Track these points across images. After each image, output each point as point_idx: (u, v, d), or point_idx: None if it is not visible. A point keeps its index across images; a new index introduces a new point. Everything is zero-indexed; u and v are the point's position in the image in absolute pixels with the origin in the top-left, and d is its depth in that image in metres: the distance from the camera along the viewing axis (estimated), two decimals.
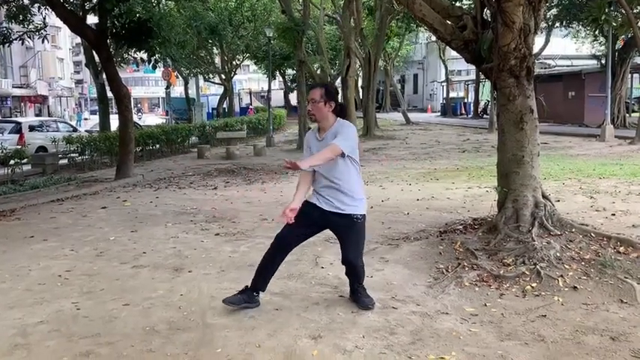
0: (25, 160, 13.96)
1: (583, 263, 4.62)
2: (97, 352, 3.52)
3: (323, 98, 3.91)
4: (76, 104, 56.58)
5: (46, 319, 4.09)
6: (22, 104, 37.55)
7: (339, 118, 4.01)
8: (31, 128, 18.37)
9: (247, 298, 4.10)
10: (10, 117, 29.11)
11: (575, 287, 4.29)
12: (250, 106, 40.70)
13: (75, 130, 20.37)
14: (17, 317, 4.12)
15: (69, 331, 3.86)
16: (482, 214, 6.37)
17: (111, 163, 15.47)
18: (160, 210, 8.41)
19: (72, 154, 16.34)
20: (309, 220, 4.01)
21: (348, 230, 4.01)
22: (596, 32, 22.36)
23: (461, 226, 6.00)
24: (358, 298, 4.20)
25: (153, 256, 5.77)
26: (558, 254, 4.73)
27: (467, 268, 4.76)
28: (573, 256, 4.75)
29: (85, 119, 43.93)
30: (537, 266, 4.55)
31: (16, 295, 4.63)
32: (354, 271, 4.13)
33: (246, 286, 4.14)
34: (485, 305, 4.11)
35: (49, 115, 37.98)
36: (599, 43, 23.90)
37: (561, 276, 4.44)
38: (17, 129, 17.82)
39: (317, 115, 3.95)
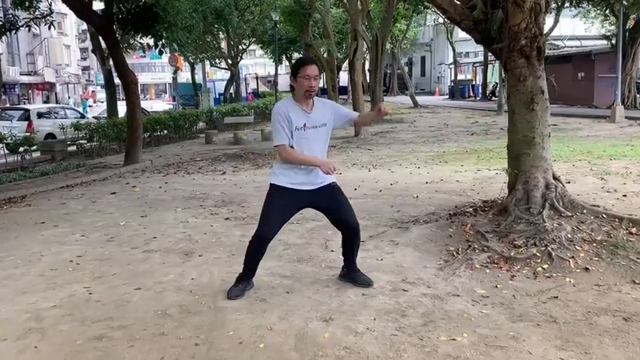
0: (34, 147, 14.02)
1: (595, 244, 4.60)
2: (110, 335, 3.55)
3: (319, 74, 3.98)
4: (84, 91, 56.70)
5: (59, 303, 4.12)
6: (30, 91, 37.67)
7: None
8: (40, 115, 18.43)
9: (246, 284, 4.16)
10: (18, 104, 29.21)
11: (587, 268, 4.27)
12: (249, 92, 40.26)
13: (83, 116, 20.42)
14: (31, 302, 4.16)
15: (82, 315, 3.89)
16: (492, 196, 6.34)
17: (119, 150, 15.51)
18: (170, 195, 8.43)
19: (80, 141, 16.39)
20: (291, 207, 4.00)
21: (339, 196, 4.07)
22: (607, 11, 22.11)
23: (471, 209, 5.97)
24: (358, 276, 4.22)
25: (163, 240, 5.79)
26: (569, 235, 4.70)
27: (477, 251, 4.75)
28: (585, 237, 4.72)
29: (90, 106, 43.90)
30: (548, 248, 4.53)
31: (29, 281, 4.67)
32: (359, 235, 4.17)
33: (238, 277, 4.18)
34: (496, 287, 4.10)
35: (57, 102, 38.07)
36: (610, 23, 23.63)
37: (573, 257, 4.41)
38: (26, 116, 17.88)
39: (315, 92, 3.92)
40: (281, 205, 3.95)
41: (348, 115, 4.22)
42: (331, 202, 4.06)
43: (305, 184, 3.94)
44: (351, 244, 4.20)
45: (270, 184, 4.02)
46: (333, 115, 4.03)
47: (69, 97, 46.54)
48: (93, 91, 58.59)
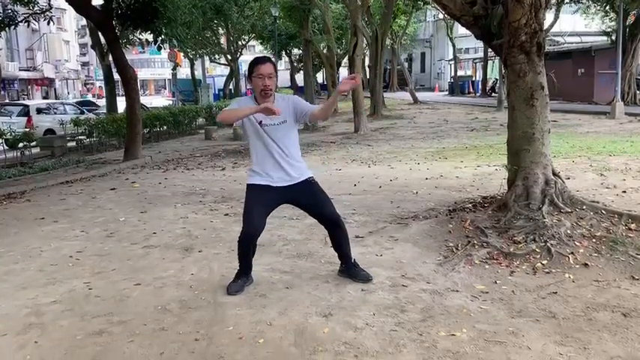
0: (33, 143, 14.02)
1: (594, 240, 4.60)
2: (110, 330, 3.55)
3: (275, 72, 3.90)
4: (83, 86, 56.59)
5: (59, 298, 4.13)
6: (29, 87, 37.61)
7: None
8: (39, 111, 18.42)
9: (245, 279, 4.16)
10: (18, 100, 29.17)
11: (586, 264, 4.28)
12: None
13: (82, 112, 20.41)
14: (30, 297, 4.17)
15: (82, 310, 3.90)
16: (492, 192, 6.34)
17: (119, 145, 15.51)
18: (169, 191, 8.44)
19: (80, 137, 16.38)
20: (268, 202, 4.00)
21: (316, 192, 4.05)
22: (607, 7, 22.08)
23: (470, 205, 5.97)
24: (357, 272, 4.23)
25: (163, 236, 5.79)
26: (569, 231, 4.71)
27: (477, 246, 4.75)
28: (584, 233, 4.72)
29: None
30: (548, 244, 4.53)
31: (29, 276, 4.68)
32: (341, 227, 4.14)
33: (238, 270, 4.16)
34: (496, 283, 4.11)
35: (56, 97, 38.01)
36: (610, 19, 23.54)
37: (572, 253, 4.42)
38: (25, 112, 17.88)
39: (272, 90, 3.88)
40: (258, 202, 3.95)
41: (305, 109, 4.00)
42: (310, 198, 4.06)
43: (279, 181, 3.94)
44: (337, 239, 4.19)
45: (247, 184, 4.05)
46: (295, 112, 3.97)
47: (68, 93, 46.37)
48: (100, 87, 58.22)
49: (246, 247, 4.06)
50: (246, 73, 4.04)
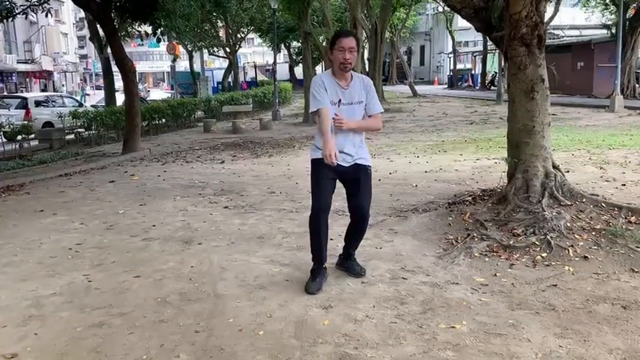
0: (32, 136, 13.99)
1: (594, 233, 4.60)
2: (110, 322, 3.55)
3: (356, 47, 3.86)
4: (81, 79, 56.40)
5: (59, 291, 4.13)
6: (27, 80, 37.45)
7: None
8: (37, 103, 18.35)
9: (322, 277, 4.02)
10: (16, 92, 29.06)
11: (586, 257, 4.28)
12: (242, 82, 39.53)
13: (81, 105, 20.35)
14: (30, 289, 4.16)
15: (82, 302, 3.90)
16: (492, 185, 6.34)
17: (117, 138, 15.48)
18: (168, 184, 8.43)
19: (78, 129, 16.34)
20: (332, 176, 3.95)
21: (364, 182, 3.98)
22: (607, 0, 22.01)
23: (470, 198, 5.97)
24: (351, 265, 4.22)
25: (162, 229, 5.79)
26: (569, 224, 4.71)
27: (476, 239, 4.75)
28: (584, 226, 4.72)
29: (87, 94, 43.47)
30: (548, 236, 4.53)
31: (29, 268, 4.67)
32: (364, 225, 4.10)
33: (312, 270, 4.04)
34: (496, 275, 4.11)
35: (55, 90, 37.88)
36: (610, 12, 23.49)
37: (572, 246, 4.42)
38: (23, 104, 17.81)
39: (352, 65, 3.85)
40: (324, 176, 3.90)
41: (369, 105, 3.98)
42: (354, 183, 3.99)
43: (339, 160, 3.82)
44: (354, 232, 4.16)
45: (311, 159, 3.99)
46: (366, 97, 3.95)
47: (62, 85, 45.72)
48: (81, 80, 57.81)
49: (317, 227, 3.91)
50: (329, 44, 3.99)
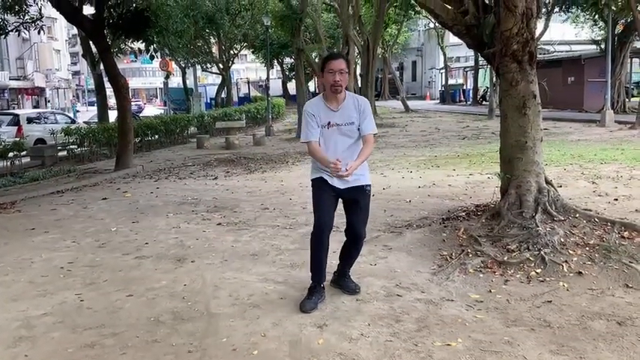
0: (23, 153, 13.91)
1: (587, 248, 4.61)
2: (102, 342, 3.51)
3: (346, 69, 3.90)
4: (73, 96, 56.30)
5: (50, 311, 4.08)
6: (20, 96, 37.35)
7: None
8: (29, 120, 18.28)
9: (318, 296, 4.00)
10: (8, 109, 28.97)
11: (580, 272, 4.28)
12: (235, 100, 39.52)
13: (73, 121, 20.28)
14: (21, 309, 4.11)
15: (73, 322, 3.85)
16: (485, 200, 6.35)
17: (110, 155, 15.42)
18: (161, 200, 8.39)
19: (71, 146, 16.28)
20: (333, 195, 3.97)
21: (361, 201, 4.01)
22: (596, 16, 22.28)
23: (463, 213, 5.98)
24: (346, 283, 4.21)
25: (155, 246, 5.75)
26: (562, 240, 4.71)
27: (471, 255, 4.74)
28: (577, 241, 4.73)
29: (77, 111, 43.21)
30: (541, 252, 4.53)
31: (20, 288, 4.62)
32: (359, 245, 4.12)
33: (310, 288, 4.04)
34: (490, 292, 4.10)
35: (47, 105, 37.76)
36: (599, 28, 23.78)
37: (566, 261, 4.42)
38: (15, 121, 17.73)
39: (343, 87, 3.89)
40: (326, 195, 3.93)
41: (362, 125, 3.96)
42: (352, 203, 4.02)
43: (336, 182, 3.91)
44: (349, 250, 4.18)
45: (311, 180, 4.03)
46: (359, 117, 3.95)
47: (48, 102, 44.87)
48: (74, 96, 57.53)
49: (318, 244, 3.94)
50: (320, 68, 4.05)
